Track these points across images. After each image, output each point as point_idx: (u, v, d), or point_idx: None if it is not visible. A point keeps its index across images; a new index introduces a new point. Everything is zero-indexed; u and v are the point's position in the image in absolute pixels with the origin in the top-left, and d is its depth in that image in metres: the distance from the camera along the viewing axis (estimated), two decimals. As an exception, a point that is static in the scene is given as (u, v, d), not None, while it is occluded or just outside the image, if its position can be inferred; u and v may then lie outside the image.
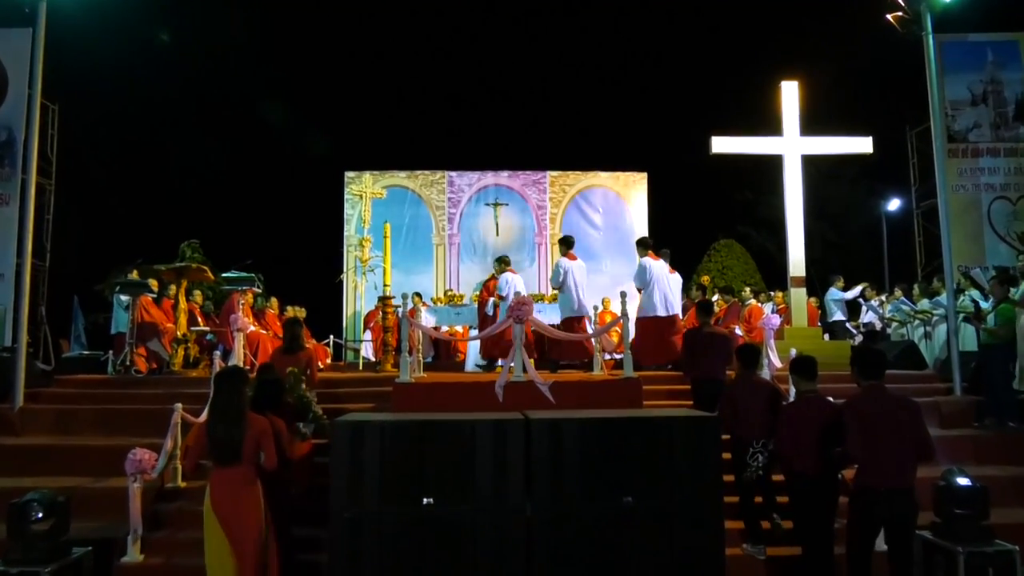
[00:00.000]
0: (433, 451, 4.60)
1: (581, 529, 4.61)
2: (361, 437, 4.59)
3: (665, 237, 17.18)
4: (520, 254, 14.74)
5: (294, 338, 7.04)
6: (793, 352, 7.52)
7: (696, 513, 4.67)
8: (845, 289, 12.46)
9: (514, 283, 9.72)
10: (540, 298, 12.68)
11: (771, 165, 10.71)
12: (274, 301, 12.29)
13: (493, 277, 11.26)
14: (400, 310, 7.39)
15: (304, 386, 6.12)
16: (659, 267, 9.45)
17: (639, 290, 9.50)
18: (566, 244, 9.82)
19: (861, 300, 12.75)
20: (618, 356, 9.78)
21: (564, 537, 4.61)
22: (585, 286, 9.60)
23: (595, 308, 9.70)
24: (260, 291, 10.23)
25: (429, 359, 12.26)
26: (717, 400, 5.95)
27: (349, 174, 14.58)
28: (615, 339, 10.40)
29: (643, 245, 9.70)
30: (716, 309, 12.00)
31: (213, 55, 22.10)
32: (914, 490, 4.45)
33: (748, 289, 12.44)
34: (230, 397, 4.53)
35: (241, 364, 8.18)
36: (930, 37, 8.61)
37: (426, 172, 14.98)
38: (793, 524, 5.25)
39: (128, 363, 8.93)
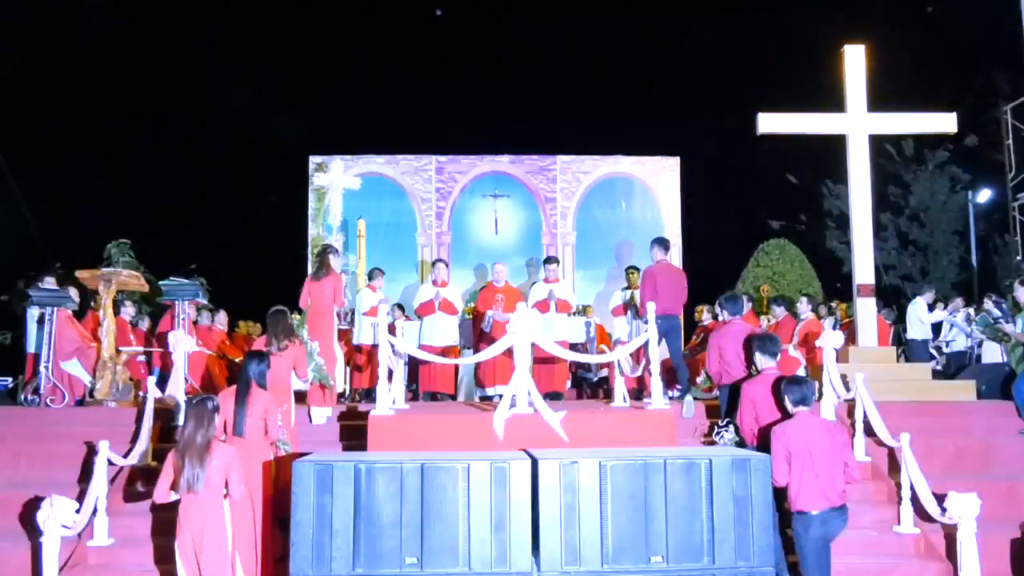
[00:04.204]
0: (418, 499, 4.59)
1: (600, 596, 4.60)
2: (329, 482, 4.60)
3: (701, 235, 17.25)
4: (525, 257, 14.78)
5: (321, 264, 8.81)
6: (861, 377, 7.53)
7: (743, 577, 4.66)
8: (933, 307, 12.45)
9: None
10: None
11: (832, 147, 10.72)
12: (222, 315, 12.32)
13: (491, 285, 11.29)
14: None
15: (307, 333, 7.29)
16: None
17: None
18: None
19: (946, 318, 12.73)
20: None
21: (579, 606, 4.60)
22: None
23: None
24: (205, 303, 10.25)
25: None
26: (671, 334, 7.93)
27: (315, 160, 14.66)
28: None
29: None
30: (768, 324, 12.03)
31: (145, 12, 22.19)
32: (846, 509, 5.53)
33: (804, 300, 12.43)
34: (196, 427, 5.27)
35: (181, 391, 8.21)
36: (1027, -10, 8.63)
37: (409, 157, 15.05)
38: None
39: (42, 391, 8.93)
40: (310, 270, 14.26)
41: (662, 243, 8.86)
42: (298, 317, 7.36)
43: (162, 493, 5.43)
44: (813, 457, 5.40)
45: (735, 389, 6.86)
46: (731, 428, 6.61)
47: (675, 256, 14.86)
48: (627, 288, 10.68)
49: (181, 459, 5.28)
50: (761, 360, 6.37)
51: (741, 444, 6.46)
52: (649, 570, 4.61)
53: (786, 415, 5.74)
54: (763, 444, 5.91)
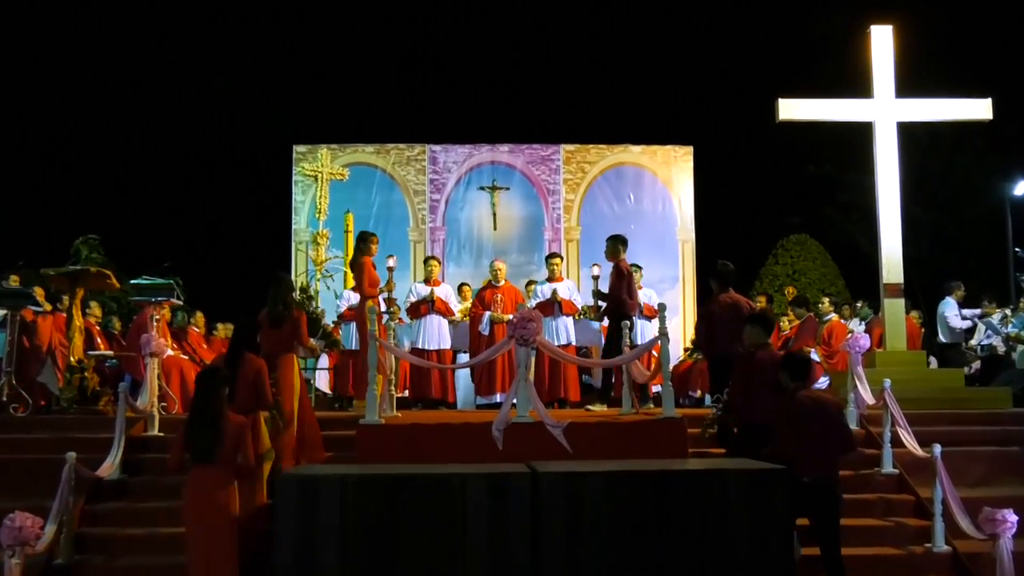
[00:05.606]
0: (410, 515, 4.59)
1: (607, 619, 4.60)
2: (315, 497, 4.59)
3: (716, 230, 17.25)
4: (526, 254, 14.76)
5: (357, 243, 9.36)
6: (887, 383, 7.53)
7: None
8: (963, 305, 12.42)
9: None
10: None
11: (858, 136, 10.71)
12: (199, 317, 12.32)
13: (490, 284, 11.29)
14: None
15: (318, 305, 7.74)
16: None
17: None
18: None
19: (977, 319, 12.72)
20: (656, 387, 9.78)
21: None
22: None
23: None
24: (181, 303, 10.25)
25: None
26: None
27: (299, 148, 14.63)
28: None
29: None
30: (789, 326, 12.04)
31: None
32: (839, 481, 6.08)
33: (827, 300, 12.44)
34: (207, 398, 5.67)
35: (153, 399, 8.21)
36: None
37: (401, 146, 15.02)
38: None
39: (5, 399, 8.94)
40: (295, 267, 14.29)
41: (624, 241, 9.38)
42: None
43: (176, 458, 5.79)
44: (810, 429, 5.88)
45: (722, 362, 7.32)
46: (718, 404, 7.15)
47: (687, 251, 14.91)
48: None
49: (191, 429, 5.61)
50: (756, 336, 6.69)
51: (724, 419, 7.05)
52: (660, 591, 4.61)
53: (780, 391, 6.12)
54: (750, 420, 6.43)
